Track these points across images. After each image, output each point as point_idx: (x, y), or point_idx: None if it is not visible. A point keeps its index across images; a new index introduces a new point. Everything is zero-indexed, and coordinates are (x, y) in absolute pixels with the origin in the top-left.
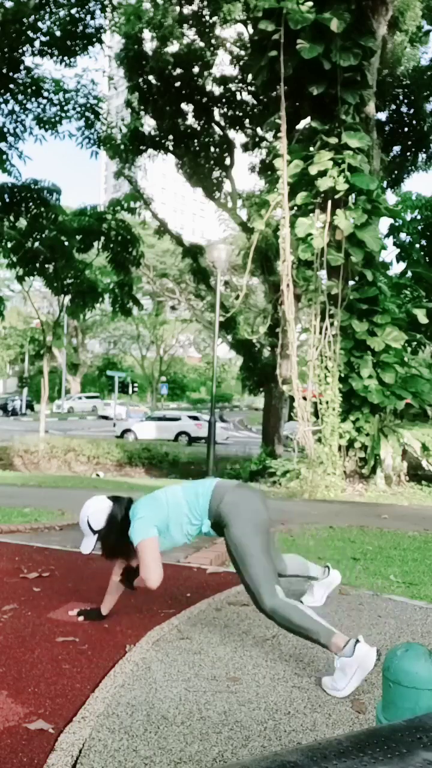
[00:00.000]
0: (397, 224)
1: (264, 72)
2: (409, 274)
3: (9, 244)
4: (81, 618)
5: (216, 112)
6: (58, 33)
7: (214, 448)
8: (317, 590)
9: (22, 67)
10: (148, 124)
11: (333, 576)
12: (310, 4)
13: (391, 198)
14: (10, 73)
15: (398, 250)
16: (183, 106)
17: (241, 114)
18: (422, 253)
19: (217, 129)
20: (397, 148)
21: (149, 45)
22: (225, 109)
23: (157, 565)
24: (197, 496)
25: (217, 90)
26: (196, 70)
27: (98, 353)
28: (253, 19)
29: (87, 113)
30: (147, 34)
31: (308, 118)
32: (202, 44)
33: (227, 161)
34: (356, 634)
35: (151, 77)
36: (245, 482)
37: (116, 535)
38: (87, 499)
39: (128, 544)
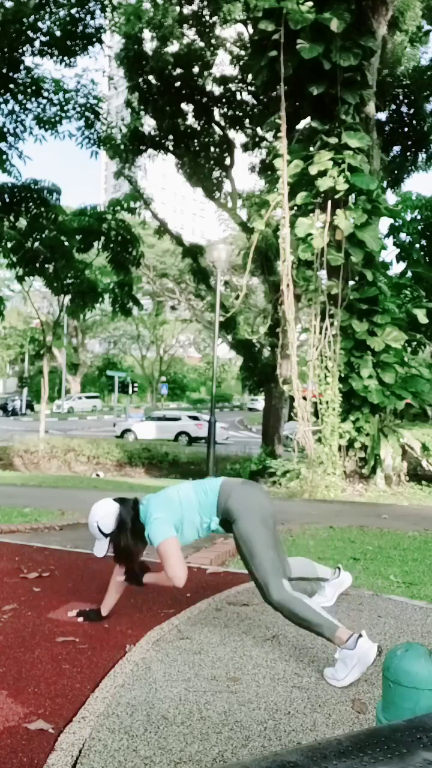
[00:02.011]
0: (397, 224)
1: (264, 72)
2: (409, 274)
3: (9, 244)
4: (80, 619)
5: (216, 112)
6: (58, 33)
7: (214, 448)
8: (329, 590)
9: (22, 67)
10: (148, 124)
11: (344, 577)
12: (310, 4)
13: (391, 198)
14: (10, 73)
15: (398, 250)
16: (183, 106)
17: (241, 114)
18: (422, 253)
19: (217, 129)
20: (397, 148)
21: (149, 45)
22: (225, 109)
23: (182, 563)
24: (206, 494)
25: (217, 90)
26: (196, 70)
27: (98, 353)
28: (253, 19)
29: (87, 113)
30: (147, 34)
31: (308, 118)
32: (202, 44)
33: (227, 161)
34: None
35: (151, 77)
36: (251, 481)
37: (127, 537)
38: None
39: (139, 545)
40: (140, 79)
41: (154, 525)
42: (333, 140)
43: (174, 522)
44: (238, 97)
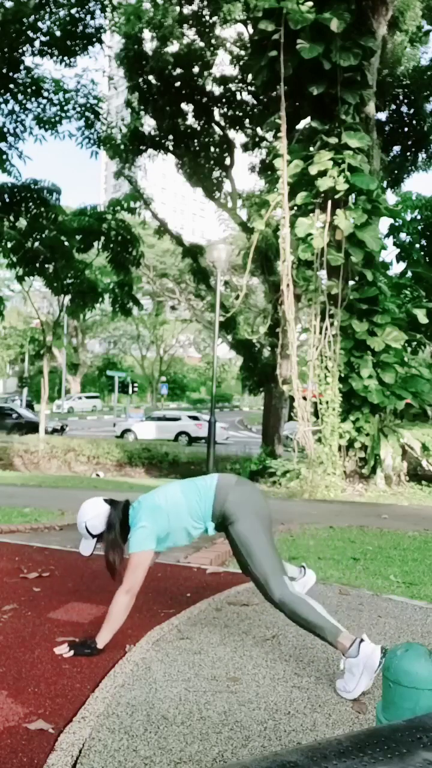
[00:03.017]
0: (397, 224)
1: (264, 72)
2: (409, 274)
3: (9, 244)
4: (71, 653)
5: (216, 112)
6: (58, 33)
7: (214, 448)
8: (297, 588)
9: (22, 67)
10: (148, 124)
11: (309, 575)
12: (310, 4)
13: (391, 198)
14: (10, 73)
15: (398, 250)
16: (183, 106)
17: (241, 114)
18: (422, 253)
19: (217, 129)
20: (397, 148)
21: (149, 45)
22: (225, 109)
23: (142, 580)
24: (198, 499)
25: (217, 90)
26: (196, 70)
27: (98, 353)
28: (253, 19)
29: (87, 113)
30: (147, 34)
31: (308, 118)
32: (202, 44)
33: (227, 161)
34: (358, 634)
35: (151, 77)
36: (243, 478)
37: (115, 540)
38: (87, 499)
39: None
40: (140, 79)
41: (138, 533)
42: (333, 140)
43: (158, 532)
44: (238, 97)
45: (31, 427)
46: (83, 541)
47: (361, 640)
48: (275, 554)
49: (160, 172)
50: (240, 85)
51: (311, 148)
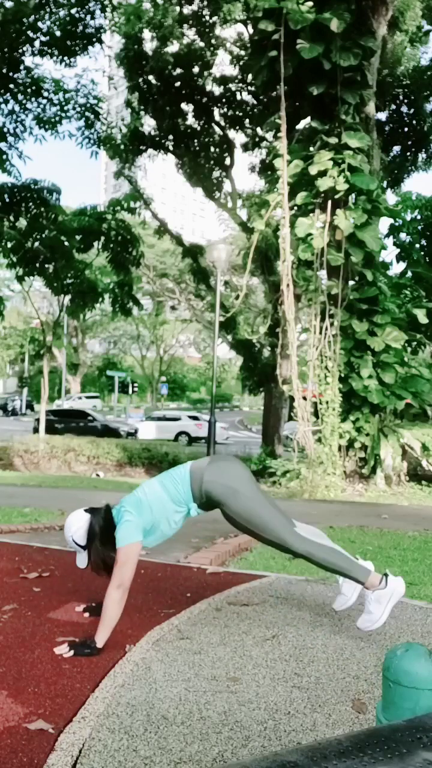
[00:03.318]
0: (397, 224)
1: (264, 72)
2: (409, 274)
3: (9, 244)
4: (71, 653)
5: (216, 112)
6: (58, 33)
7: (214, 448)
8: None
9: (22, 67)
10: (148, 124)
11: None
12: (310, 4)
13: (391, 198)
14: (10, 73)
15: (398, 250)
16: (183, 106)
17: (241, 114)
18: (422, 253)
19: (217, 129)
20: (397, 148)
21: (149, 45)
22: (225, 109)
23: (132, 573)
24: (175, 484)
25: (217, 90)
26: (196, 70)
27: (98, 353)
28: (253, 19)
29: (87, 113)
30: (147, 34)
31: (308, 118)
32: (202, 44)
33: (227, 161)
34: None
35: (151, 77)
36: (218, 454)
37: (100, 545)
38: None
39: (113, 553)
40: (140, 79)
41: (123, 526)
42: (333, 140)
43: (144, 525)
44: (238, 97)
45: (108, 432)
46: (78, 555)
47: (386, 575)
48: (276, 512)
49: (160, 172)
50: (240, 85)
51: (311, 148)
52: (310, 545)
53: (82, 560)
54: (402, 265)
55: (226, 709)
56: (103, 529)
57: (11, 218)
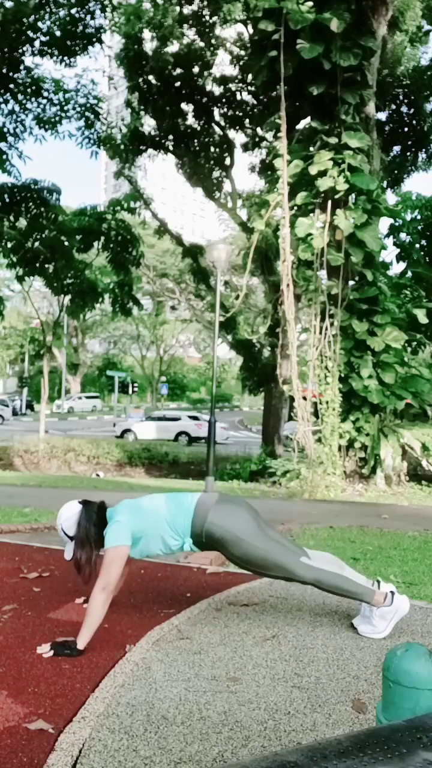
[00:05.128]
0: (397, 224)
1: (264, 72)
2: (409, 274)
3: (9, 244)
4: (52, 653)
5: (216, 112)
6: (58, 33)
7: (214, 448)
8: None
9: (22, 67)
10: (148, 124)
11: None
12: (310, 4)
13: (391, 198)
14: (10, 73)
15: (398, 250)
16: (183, 106)
17: (241, 114)
18: (422, 253)
19: (217, 129)
20: (397, 148)
21: (149, 45)
22: (225, 109)
23: (118, 576)
24: (179, 512)
25: (217, 90)
26: (196, 70)
27: (98, 353)
28: (253, 19)
29: (87, 113)
30: (147, 34)
31: (308, 118)
32: (202, 44)
33: (227, 161)
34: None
35: (151, 77)
36: (226, 494)
37: (86, 538)
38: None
39: (99, 549)
40: (140, 79)
41: (113, 527)
42: (333, 140)
43: (134, 531)
44: (238, 97)
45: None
46: (66, 545)
47: (392, 592)
48: (280, 546)
49: (160, 172)
50: (240, 85)
51: (311, 148)
52: (318, 572)
53: (69, 551)
54: (402, 265)
55: (226, 709)
56: (93, 524)
57: (11, 218)
